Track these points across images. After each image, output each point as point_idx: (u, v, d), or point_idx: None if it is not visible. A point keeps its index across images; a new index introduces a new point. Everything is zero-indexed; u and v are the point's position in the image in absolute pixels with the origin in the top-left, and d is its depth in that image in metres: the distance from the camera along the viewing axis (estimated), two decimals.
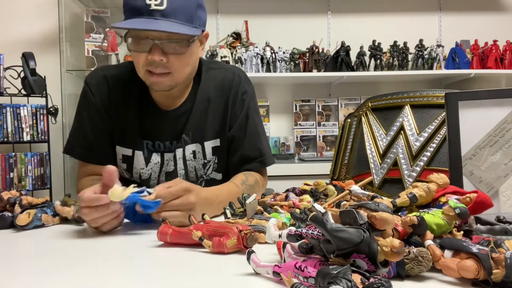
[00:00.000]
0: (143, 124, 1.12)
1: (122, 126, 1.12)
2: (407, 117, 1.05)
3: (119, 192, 0.76)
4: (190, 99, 1.14)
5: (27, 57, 2.33)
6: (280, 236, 0.54)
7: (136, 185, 0.79)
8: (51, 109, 2.49)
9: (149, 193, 0.78)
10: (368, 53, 2.85)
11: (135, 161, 1.13)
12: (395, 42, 2.85)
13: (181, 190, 0.80)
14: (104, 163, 1.09)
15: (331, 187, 0.85)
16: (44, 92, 2.42)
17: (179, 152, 1.13)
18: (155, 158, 1.14)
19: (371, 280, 0.40)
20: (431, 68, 2.88)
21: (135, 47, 0.97)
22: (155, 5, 0.91)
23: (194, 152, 1.14)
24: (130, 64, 1.15)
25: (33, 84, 2.34)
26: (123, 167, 1.15)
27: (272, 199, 0.88)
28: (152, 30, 0.92)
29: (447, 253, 0.51)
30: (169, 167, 1.15)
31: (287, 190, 0.93)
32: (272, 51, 2.82)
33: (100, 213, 0.77)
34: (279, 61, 2.82)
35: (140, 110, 1.12)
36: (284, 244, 0.53)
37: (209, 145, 1.15)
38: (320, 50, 2.86)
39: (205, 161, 1.16)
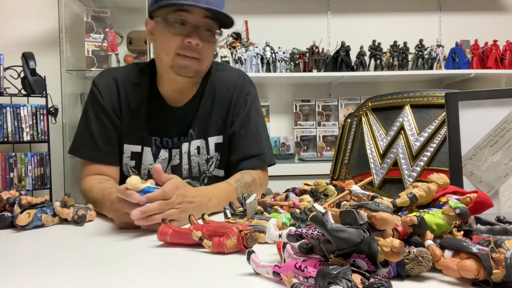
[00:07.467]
0: (152, 121, 1.15)
1: (131, 125, 1.15)
2: (407, 117, 1.05)
3: (136, 183, 0.77)
4: (198, 95, 1.17)
5: (27, 57, 2.33)
6: (280, 236, 0.54)
7: (152, 182, 0.81)
8: (51, 109, 2.49)
9: None
10: (368, 53, 2.85)
11: (143, 158, 1.16)
12: (395, 42, 2.85)
13: (173, 188, 0.81)
14: (110, 163, 1.14)
15: (331, 187, 0.85)
16: (44, 92, 2.42)
17: (185, 146, 1.17)
18: (163, 154, 1.17)
19: (371, 280, 0.40)
20: (431, 68, 2.88)
21: (173, 29, 1.01)
22: None
23: (198, 148, 1.18)
24: (138, 66, 1.20)
25: (33, 84, 2.34)
26: (131, 164, 1.17)
27: (272, 199, 0.88)
28: (211, 9, 0.98)
29: (447, 253, 0.51)
30: (175, 161, 1.18)
31: (287, 190, 0.93)
32: (272, 51, 2.82)
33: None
34: (279, 61, 2.82)
35: (149, 108, 1.15)
36: (284, 244, 0.53)
37: (212, 141, 1.18)
38: (320, 50, 2.86)
39: (208, 156, 1.19)
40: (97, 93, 1.14)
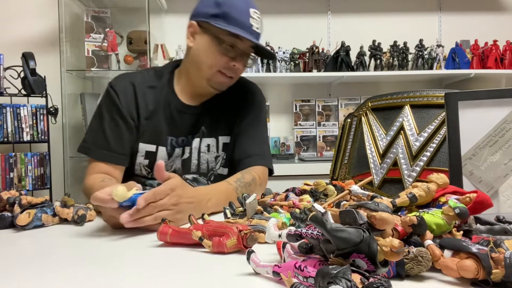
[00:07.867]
0: (169, 122, 1.19)
1: (149, 127, 1.18)
2: (407, 117, 1.05)
3: (123, 193, 0.76)
4: (214, 98, 1.23)
5: (27, 57, 2.33)
6: (280, 236, 0.54)
7: (137, 188, 0.81)
8: (51, 109, 2.49)
9: None
10: (368, 53, 2.85)
11: (158, 156, 1.19)
12: (395, 42, 2.85)
13: (166, 190, 0.81)
14: (118, 163, 1.16)
15: (331, 187, 0.85)
16: (44, 92, 2.42)
17: (196, 141, 1.21)
18: (178, 152, 1.21)
19: (371, 280, 0.40)
20: (431, 68, 2.88)
21: (223, 50, 1.10)
22: (257, 28, 1.11)
23: (208, 146, 1.23)
24: (153, 69, 1.26)
25: (33, 84, 2.34)
26: (145, 163, 1.20)
27: (272, 199, 0.88)
28: (261, 46, 1.12)
29: (447, 253, 0.51)
30: (185, 155, 1.22)
31: (287, 190, 0.93)
32: (272, 51, 2.81)
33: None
34: (279, 61, 2.82)
35: (166, 110, 1.19)
36: (284, 244, 0.53)
37: (221, 140, 1.24)
38: (320, 50, 2.86)
39: (217, 154, 1.24)
40: (113, 94, 1.16)
